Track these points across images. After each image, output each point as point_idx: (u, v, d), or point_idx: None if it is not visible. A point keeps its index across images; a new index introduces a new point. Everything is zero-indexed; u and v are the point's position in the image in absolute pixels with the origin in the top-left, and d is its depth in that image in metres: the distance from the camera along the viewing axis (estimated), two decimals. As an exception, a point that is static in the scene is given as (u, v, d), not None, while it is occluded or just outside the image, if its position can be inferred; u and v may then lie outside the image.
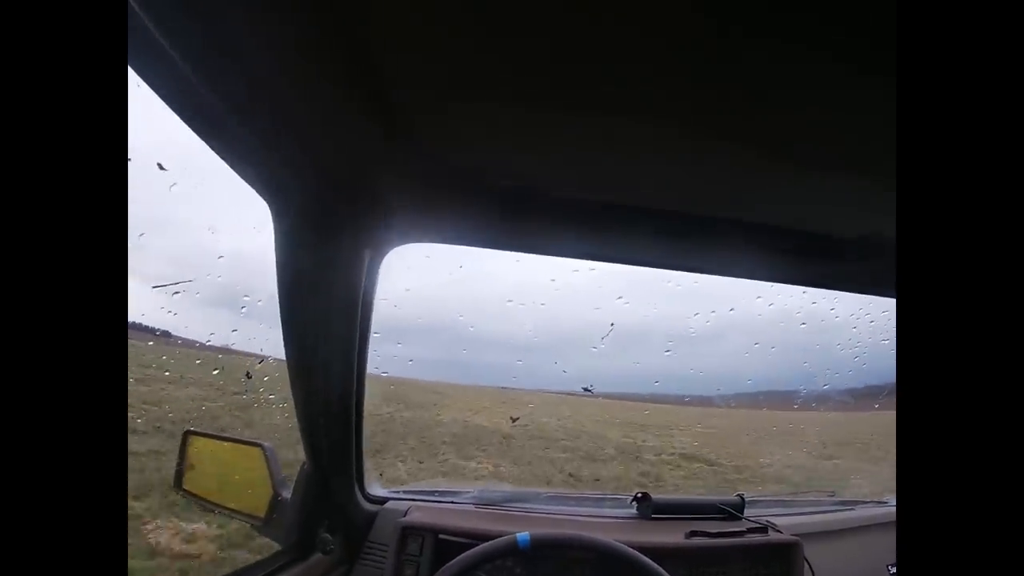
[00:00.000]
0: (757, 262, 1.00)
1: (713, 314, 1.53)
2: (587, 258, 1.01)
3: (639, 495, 1.34)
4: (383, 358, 1.05)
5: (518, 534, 0.97)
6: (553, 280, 1.38)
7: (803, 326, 1.41)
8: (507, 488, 1.43)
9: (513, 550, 0.97)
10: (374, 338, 1.02)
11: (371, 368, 1.05)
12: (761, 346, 1.78)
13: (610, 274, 1.08)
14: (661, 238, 0.92)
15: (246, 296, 1.19)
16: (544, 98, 0.60)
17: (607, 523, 1.27)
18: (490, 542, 0.97)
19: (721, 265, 1.04)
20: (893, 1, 0.40)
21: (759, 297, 1.21)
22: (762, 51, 0.50)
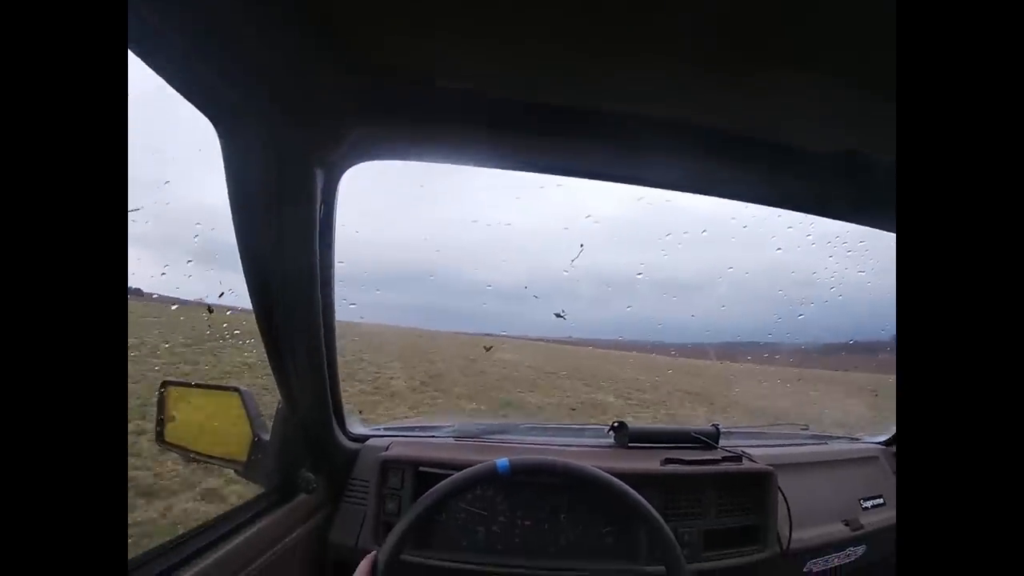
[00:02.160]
0: (732, 178, 0.97)
1: (685, 235, 1.50)
2: (553, 172, 0.97)
3: (616, 424, 1.37)
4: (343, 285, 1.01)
5: (497, 460, 0.99)
6: (518, 198, 1.34)
7: (778, 251, 1.40)
8: (487, 421, 1.45)
9: (493, 475, 0.98)
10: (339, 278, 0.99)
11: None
12: (735, 271, 1.77)
13: (578, 190, 1.04)
14: (632, 148, 0.88)
15: (197, 223, 1.13)
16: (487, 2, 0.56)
17: (584, 452, 1.30)
18: (470, 468, 0.98)
19: (693, 180, 1.01)
20: None
21: (733, 219, 1.20)
22: None
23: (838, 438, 1.67)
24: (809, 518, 1.28)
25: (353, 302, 1.18)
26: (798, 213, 1.09)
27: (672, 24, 0.59)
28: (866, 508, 1.41)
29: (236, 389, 1.20)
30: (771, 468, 1.24)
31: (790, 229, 1.23)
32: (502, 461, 0.98)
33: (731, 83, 0.71)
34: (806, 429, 1.65)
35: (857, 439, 1.67)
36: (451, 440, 1.34)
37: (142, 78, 0.60)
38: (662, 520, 0.98)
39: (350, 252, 0.96)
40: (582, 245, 1.41)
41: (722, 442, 1.34)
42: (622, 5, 0.56)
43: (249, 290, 0.86)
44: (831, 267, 1.54)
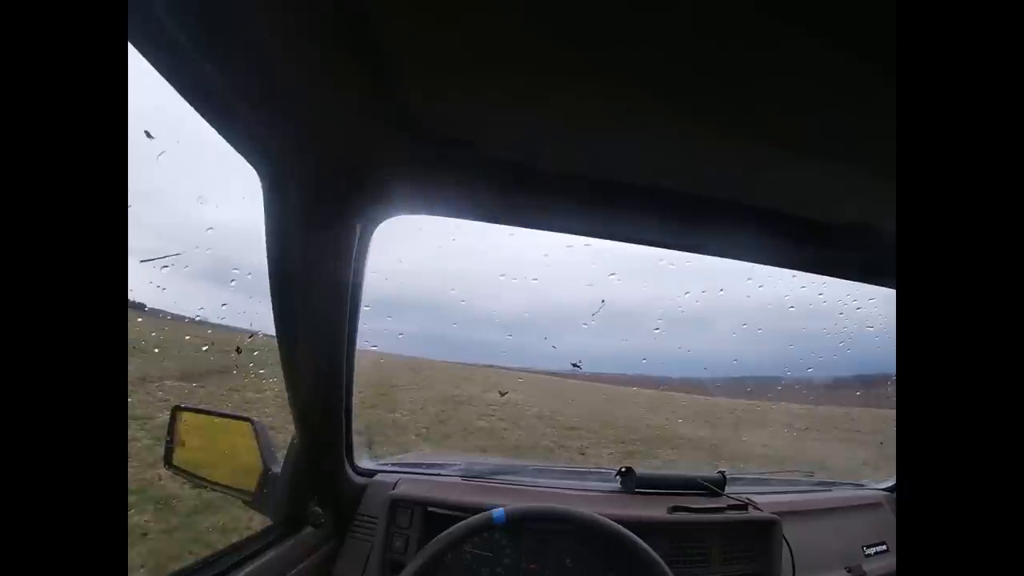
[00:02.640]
0: (750, 244, 1.01)
1: (703, 294, 1.54)
2: (581, 234, 1.01)
3: (623, 469, 1.36)
4: (371, 331, 1.04)
5: (493, 511, 0.99)
6: (546, 255, 1.38)
7: (791, 309, 1.42)
8: (494, 460, 1.44)
9: (488, 526, 0.99)
10: (364, 312, 1.02)
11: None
12: (748, 327, 1.80)
13: (604, 251, 1.08)
14: (655, 216, 0.92)
15: (235, 269, 1.17)
16: (541, 72, 0.59)
17: (591, 496, 1.30)
18: (465, 521, 0.99)
19: (714, 245, 1.04)
20: None
21: (749, 279, 1.23)
22: (763, 33, 0.50)
23: (843, 484, 1.65)
24: (813, 566, 1.27)
25: (375, 344, 1.21)
26: (811, 274, 1.12)
27: (696, 105, 0.63)
28: (869, 555, 1.40)
29: (249, 419, 1.21)
30: (776, 517, 1.23)
31: (803, 288, 1.26)
32: (498, 511, 0.99)
33: (749, 162, 0.75)
34: (811, 475, 1.64)
35: (861, 485, 1.66)
36: (459, 479, 1.34)
37: (197, 127, 0.63)
38: (666, 567, 0.98)
39: (377, 297, 0.99)
40: (603, 301, 1.44)
41: (728, 488, 1.33)
42: (656, 89, 0.60)
43: (276, 329, 0.88)
44: (840, 323, 1.56)
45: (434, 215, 0.95)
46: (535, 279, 1.55)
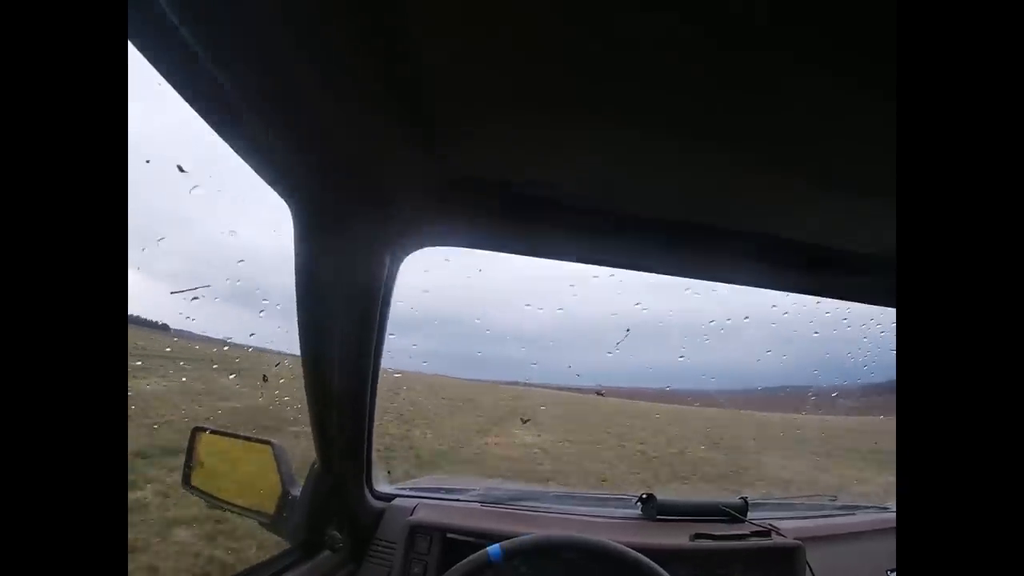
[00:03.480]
0: (769, 272, 1.01)
1: (728, 322, 1.53)
2: (603, 264, 1.01)
3: (644, 496, 1.34)
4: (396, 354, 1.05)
5: (489, 548, 0.97)
6: (572, 285, 1.39)
7: (815, 335, 1.41)
8: (513, 486, 1.43)
9: (484, 566, 0.97)
10: (389, 339, 1.02)
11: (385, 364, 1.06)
12: (774, 354, 1.78)
13: (629, 280, 1.08)
14: (674, 247, 0.93)
15: (265, 300, 1.19)
16: (564, 113, 0.60)
17: (611, 523, 1.28)
18: (462, 562, 0.97)
19: (734, 274, 1.05)
20: (894, 17, 0.40)
21: (774, 306, 1.22)
22: (772, 69, 0.51)
23: (867, 508, 1.61)
24: None
25: (399, 372, 1.21)
26: (836, 300, 1.11)
27: (714, 142, 0.64)
28: None
29: (269, 443, 1.22)
30: (799, 543, 1.20)
31: (828, 315, 1.25)
32: (494, 548, 0.97)
33: (768, 193, 0.77)
34: (835, 499, 1.61)
35: (886, 508, 1.61)
36: (478, 505, 1.32)
37: (229, 161, 0.65)
38: None
39: (402, 327, 1.00)
40: (628, 330, 1.44)
41: (751, 514, 1.31)
42: (672, 127, 0.62)
43: (303, 356, 0.90)
44: (864, 347, 1.53)
45: (461, 247, 0.96)
46: (560, 309, 1.56)
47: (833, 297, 1.11)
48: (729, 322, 1.52)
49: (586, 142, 0.67)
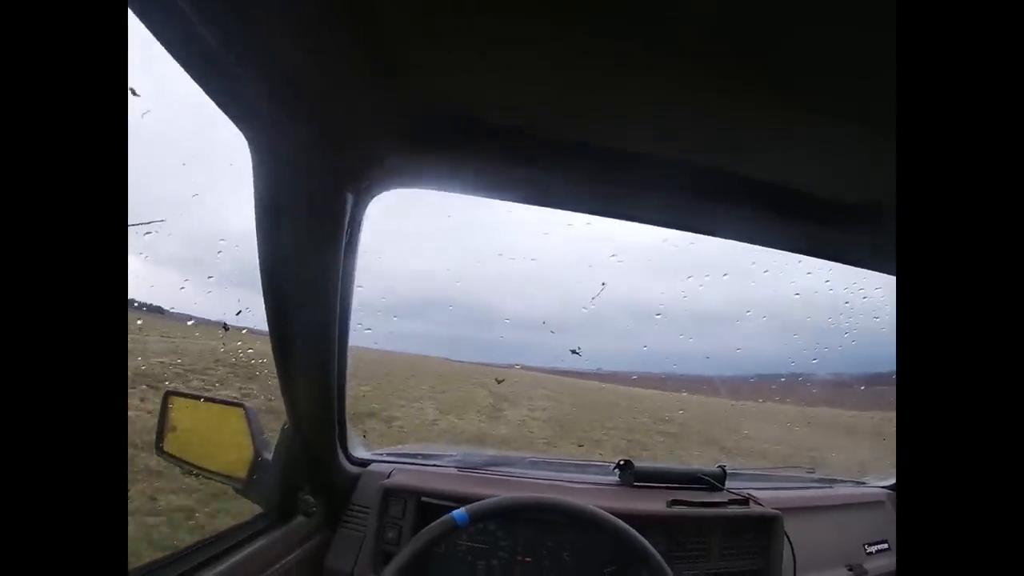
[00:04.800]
0: (755, 223, 0.98)
1: (707, 278, 1.51)
2: (582, 210, 0.98)
3: (621, 462, 1.35)
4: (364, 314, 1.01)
5: (454, 512, 0.97)
6: (546, 234, 1.35)
7: (796, 296, 1.39)
8: (490, 452, 1.43)
9: (452, 529, 0.97)
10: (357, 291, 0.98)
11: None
12: (753, 315, 1.77)
13: (605, 230, 1.05)
14: (658, 191, 0.90)
15: (222, 240, 1.13)
16: (542, 37, 0.57)
17: (589, 489, 1.28)
18: (427, 527, 0.97)
19: (718, 224, 1.02)
20: None
21: (753, 263, 1.20)
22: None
23: (844, 481, 1.64)
24: (813, 563, 1.26)
25: (369, 327, 1.18)
26: (818, 259, 1.09)
27: (702, 72, 0.61)
28: (870, 553, 1.39)
29: (241, 405, 1.19)
30: (778, 512, 1.22)
31: (809, 275, 1.23)
32: (460, 513, 0.97)
33: (760, 135, 0.73)
34: (812, 471, 1.64)
35: (863, 483, 1.65)
36: (454, 470, 1.32)
37: (184, 87, 0.60)
38: (661, 559, 0.97)
39: (369, 276, 0.96)
40: (603, 283, 1.41)
41: (728, 483, 1.32)
42: (661, 56, 0.58)
43: (266, 307, 0.86)
44: (846, 312, 1.53)
45: (429, 188, 0.91)
46: (533, 259, 1.52)
47: (816, 255, 1.10)
48: (708, 278, 1.50)
49: (561, 70, 0.63)
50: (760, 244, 1.05)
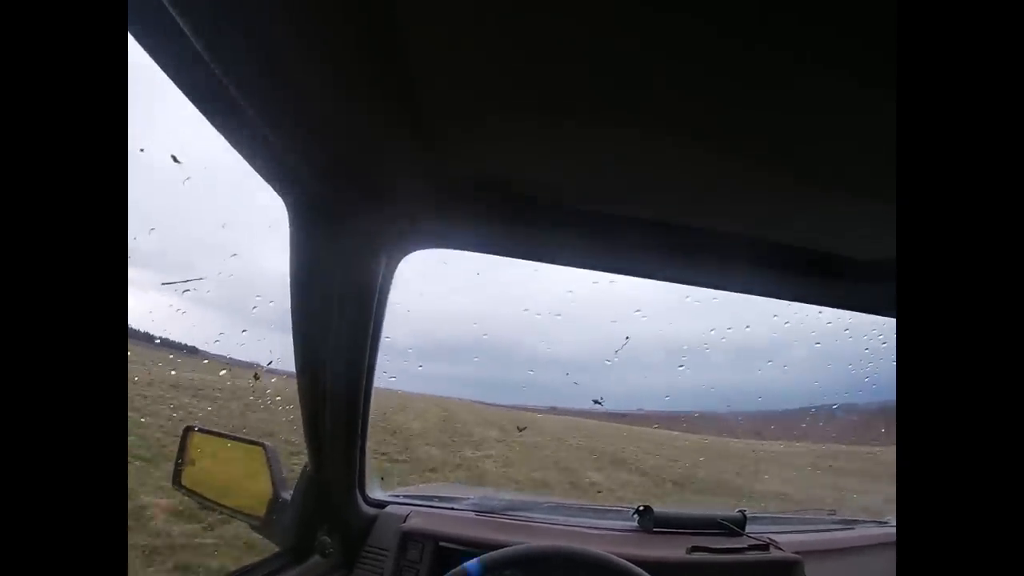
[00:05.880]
0: (768, 279, 1.00)
1: (729, 331, 1.51)
2: (602, 270, 1.00)
3: (641, 508, 1.32)
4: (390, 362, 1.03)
5: (468, 563, 0.95)
6: (571, 291, 1.37)
7: (817, 345, 1.39)
8: (507, 496, 1.41)
9: None
10: (384, 342, 1.01)
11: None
12: (774, 364, 1.76)
13: (629, 287, 1.07)
14: (674, 252, 0.92)
15: (257, 296, 1.17)
16: (563, 114, 0.60)
17: (607, 535, 1.26)
18: None
19: (733, 281, 1.03)
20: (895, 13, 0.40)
21: (775, 316, 1.20)
22: (776, 70, 0.51)
23: (865, 522, 1.59)
24: None
25: (393, 375, 1.19)
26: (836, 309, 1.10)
27: (712, 144, 0.63)
28: None
29: (261, 444, 1.20)
30: (798, 557, 1.19)
31: (829, 324, 1.23)
32: (473, 564, 0.95)
33: (765, 199, 0.76)
34: (833, 513, 1.59)
35: (885, 523, 1.59)
36: (472, 514, 1.30)
37: (225, 155, 0.64)
38: None
39: (399, 328, 0.98)
40: (627, 337, 1.42)
41: (748, 527, 1.29)
42: (672, 129, 0.61)
43: (296, 357, 0.89)
44: (867, 358, 1.52)
45: (458, 249, 0.95)
46: (558, 315, 1.55)
47: (833, 306, 1.10)
48: (730, 331, 1.50)
49: (585, 142, 0.66)
50: (775, 297, 1.07)
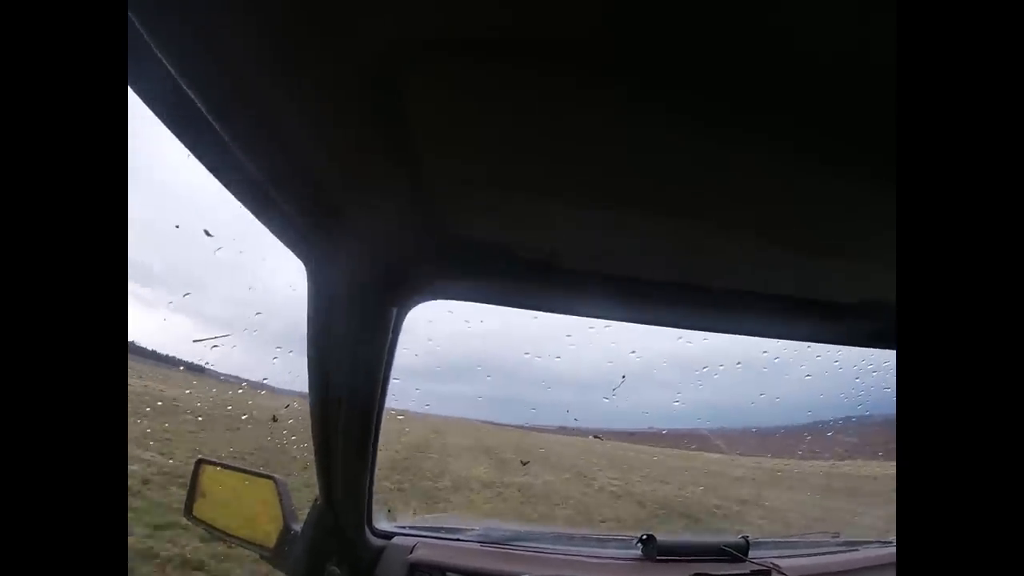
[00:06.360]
0: (762, 322, 1.04)
1: (721, 367, 1.56)
2: (600, 318, 1.06)
3: (644, 536, 1.33)
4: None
5: None
6: (569, 336, 1.42)
7: (808, 378, 1.43)
8: (513, 526, 1.42)
9: None
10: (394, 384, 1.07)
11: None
12: (767, 397, 1.80)
13: (624, 330, 1.12)
14: (668, 304, 0.97)
15: (278, 347, 1.23)
16: (563, 188, 0.66)
17: (612, 564, 1.27)
18: None
19: (725, 326, 1.08)
20: (891, 91, 0.40)
21: (765, 352, 1.25)
22: (764, 140, 0.55)
23: (870, 543, 1.57)
24: None
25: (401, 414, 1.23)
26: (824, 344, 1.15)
27: (694, 202, 0.68)
28: None
29: (272, 477, 1.23)
30: None
31: (819, 358, 1.28)
32: None
33: (759, 260, 0.83)
34: (836, 536, 1.58)
35: (890, 543, 1.57)
36: (477, 545, 1.32)
37: (247, 224, 0.70)
38: None
39: (405, 371, 1.03)
40: (623, 376, 1.46)
41: (752, 553, 1.29)
42: (659, 199, 0.67)
43: (311, 400, 0.96)
44: (858, 387, 1.55)
45: (463, 301, 1.01)
46: (558, 357, 1.59)
47: (823, 342, 1.15)
48: (722, 368, 1.55)
49: (579, 213, 0.72)
50: (773, 338, 1.11)
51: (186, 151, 0.57)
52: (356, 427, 1.00)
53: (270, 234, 0.71)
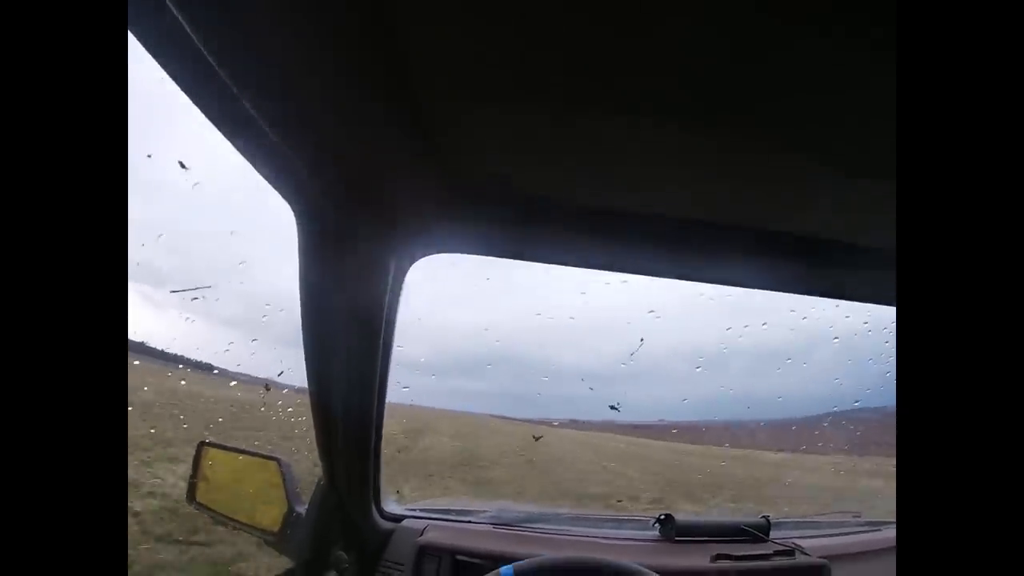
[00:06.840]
0: (780, 272, 0.98)
1: (746, 328, 1.48)
2: (611, 269, 0.99)
3: (662, 516, 1.30)
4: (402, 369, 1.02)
5: (501, 569, 0.94)
6: (583, 293, 1.35)
7: (835, 340, 1.36)
8: (525, 508, 1.39)
9: None
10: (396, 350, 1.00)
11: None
12: (793, 362, 1.73)
13: (641, 287, 1.05)
14: (684, 248, 0.90)
15: (267, 304, 1.17)
16: (568, 110, 0.60)
17: (629, 545, 1.24)
18: None
19: (751, 278, 1.01)
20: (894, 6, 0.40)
21: (792, 311, 1.18)
22: (777, 58, 0.50)
23: (891, 524, 1.53)
24: None
25: (406, 385, 1.18)
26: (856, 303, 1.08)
27: (732, 138, 0.63)
28: None
29: (276, 459, 1.20)
30: (825, 561, 1.16)
31: (848, 318, 1.20)
32: (506, 570, 0.94)
33: (771, 189, 0.75)
34: (859, 515, 1.56)
35: None
36: (489, 527, 1.28)
37: (232, 162, 0.64)
38: None
39: (409, 336, 0.97)
40: (642, 339, 1.40)
41: (773, 533, 1.26)
42: (678, 122, 0.61)
43: (307, 368, 0.88)
44: (886, 352, 1.48)
45: (467, 253, 0.94)
46: (571, 318, 1.53)
47: (840, 297, 1.08)
48: (747, 328, 1.47)
49: (590, 140, 0.66)
50: (801, 294, 1.05)
51: (164, 76, 0.53)
52: (357, 399, 0.95)
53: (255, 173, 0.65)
